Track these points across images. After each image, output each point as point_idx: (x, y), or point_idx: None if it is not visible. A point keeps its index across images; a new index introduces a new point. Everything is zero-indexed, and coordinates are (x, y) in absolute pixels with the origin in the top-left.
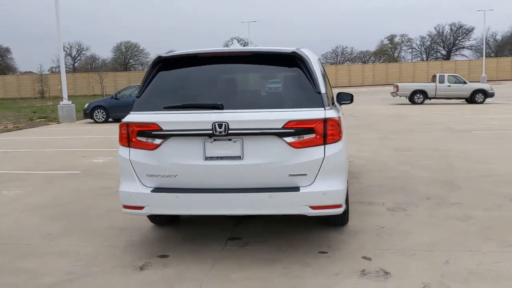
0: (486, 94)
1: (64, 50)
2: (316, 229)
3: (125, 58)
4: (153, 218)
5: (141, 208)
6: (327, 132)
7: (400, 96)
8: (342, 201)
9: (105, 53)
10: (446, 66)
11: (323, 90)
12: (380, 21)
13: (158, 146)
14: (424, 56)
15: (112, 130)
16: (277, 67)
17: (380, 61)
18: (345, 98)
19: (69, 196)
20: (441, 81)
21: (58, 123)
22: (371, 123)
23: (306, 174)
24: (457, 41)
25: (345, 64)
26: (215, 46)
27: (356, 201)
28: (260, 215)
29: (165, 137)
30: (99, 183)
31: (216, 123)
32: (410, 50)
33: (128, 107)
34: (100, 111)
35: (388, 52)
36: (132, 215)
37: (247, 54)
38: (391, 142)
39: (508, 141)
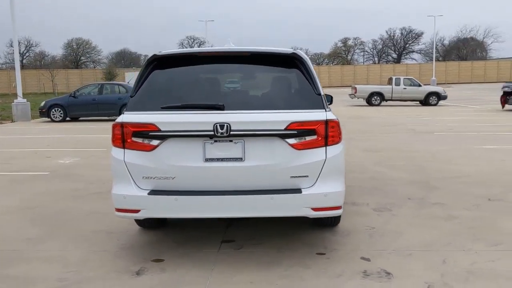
0: (440, 96)
1: (11, 46)
2: (308, 230)
3: (76, 55)
4: (141, 221)
5: (136, 211)
6: (328, 134)
7: (358, 98)
8: (342, 202)
9: (55, 49)
10: (398, 69)
11: (322, 92)
12: (335, 24)
13: (155, 147)
14: (376, 59)
15: (72, 129)
16: (276, 68)
17: (334, 64)
18: (327, 99)
19: (43, 198)
20: (397, 84)
21: (12, 121)
22: None
23: (307, 176)
24: (407, 45)
25: None
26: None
27: None
28: (252, 217)
29: (163, 138)
30: (71, 185)
31: (218, 124)
32: (363, 53)
33: (88, 106)
34: (58, 109)
35: (341, 54)
36: (125, 218)
37: (246, 54)
38: (358, 143)
39: (469, 142)
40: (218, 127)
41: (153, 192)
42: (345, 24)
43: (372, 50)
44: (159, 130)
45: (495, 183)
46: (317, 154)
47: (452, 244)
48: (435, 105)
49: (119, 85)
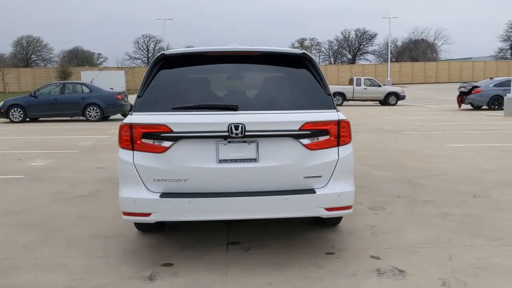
0: (398, 96)
1: None
2: (310, 230)
3: (26, 53)
4: (141, 225)
5: (147, 215)
6: (340, 134)
7: None
8: (353, 202)
9: (3, 48)
10: (355, 69)
11: (331, 92)
12: (292, 25)
13: (167, 149)
14: (332, 59)
15: (35, 130)
16: (286, 68)
17: None
18: None
19: (26, 203)
20: (358, 84)
21: None
22: None
23: (320, 176)
24: (361, 46)
25: None
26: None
27: None
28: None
29: (175, 139)
30: (50, 188)
31: (232, 125)
32: (319, 53)
33: (49, 106)
34: (17, 110)
35: None
36: (133, 222)
37: (256, 53)
38: None
39: (437, 141)
40: (233, 127)
41: (165, 195)
42: (302, 24)
43: (328, 50)
44: (171, 131)
45: (474, 180)
46: (330, 154)
47: (453, 240)
48: (394, 105)
49: (82, 84)
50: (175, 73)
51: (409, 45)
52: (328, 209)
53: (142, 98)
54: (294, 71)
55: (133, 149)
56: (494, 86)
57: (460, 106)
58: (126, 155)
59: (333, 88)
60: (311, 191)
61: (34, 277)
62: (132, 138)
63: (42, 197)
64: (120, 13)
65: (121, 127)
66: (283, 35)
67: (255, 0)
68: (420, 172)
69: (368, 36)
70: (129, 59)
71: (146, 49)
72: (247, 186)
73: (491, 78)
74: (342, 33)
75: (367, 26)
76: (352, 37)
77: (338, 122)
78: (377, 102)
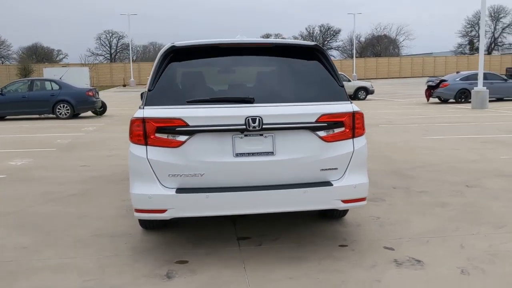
0: (368, 91)
1: None
2: (316, 223)
3: None
4: (147, 223)
5: (162, 211)
6: (355, 126)
7: None
8: (367, 193)
9: None
10: None
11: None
12: (256, 21)
13: (182, 143)
14: None
15: (5, 129)
16: (299, 60)
17: None
18: None
19: (15, 203)
20: None
21: None
22: None
23: (336, 168)
24: (325, 42)
25: None
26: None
27: None
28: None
29: (191, 133)
30: (37, 188)
31: (250, 118)
32: None
33: (17, 104)
34: None
35: None
36: (146, 219)
37: (269, 45)
38: None
39: (415, 133)
40: (250, 120)
41: (182, 190)
42: (267, 21)
43: None
44: (187, 125)
45: (462, 171)
46: (346, 146)
47: (460, 229)
48: (363, 99)
49: (51, 81)
50: (186, 66)
51: (372, 41)
52: (345, 201)
53: (153, 91)
54: (306, 63)
55: (146, 144)
56: (461, 80)
57: (428, 99)
58: (138, 150)
59: None
60: (328, 183)
61: (44, 279)
62: (145, 133)
63: (31, 197)
64: (80, 9)
65: (133, 122)
66: (248, 30)
67: (217, 1)
68: (408, 164)
69: (332, 32)
70: (91, 56)
71: (108, 45)
72: (264, 179)
73: (457, 72)
74: (306, 29)
75: (331, 22)
76: (317, 33)
77: (353, 114)
78: None
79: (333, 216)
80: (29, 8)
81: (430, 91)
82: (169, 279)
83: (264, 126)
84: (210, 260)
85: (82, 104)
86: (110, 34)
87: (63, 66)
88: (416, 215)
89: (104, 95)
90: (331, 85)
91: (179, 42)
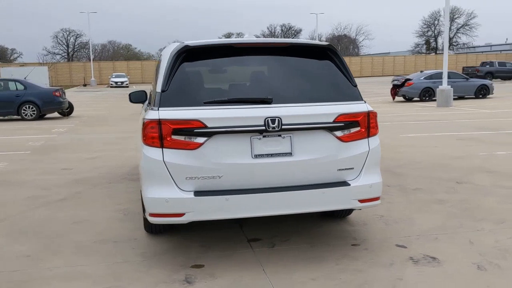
0: None
1: None
2: (322, 223)
3: None
4: (154, 228)
5: (180, 215)
6: (370, 125)
7: None
8: (381, 192)
9: None
10: None
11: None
12: (217, 19)
13: (200, 145)
14: None
15: None
16: (313, 60)
17: None
18: None
19: (3, 210)
20: None
21: None
22: None
23: (353, 168)
24: None
25: None
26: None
27: None
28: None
29: (209, 135)
30: (22, 193)
31: (269, 119)
32: None
33: None
34: None
35: None
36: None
37: (283, 45)
38: None
39: (392, 131)
40: (270, 121)
41: (200, 193)
42: (229, 20)
43: None
44: (206, 127)
45: (448, 167)
46: (362, 146)
47: (464, 225)
48: None
49: (16, 81)
50: (200, 65)
51: (332, 41)
52: (361, 201)
53: (167, 92)
54: (320, 63)
55: (162, 146)
56: (425, 78)
57: (394, 98)
58: (154, 153)
59: None
60: (345, 183)
61: None
62: (161, 135)
63: (18, 202)
64: (36, 6)
65: (147, 124)
66: (209, 28)
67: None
68: (394, 161)
69: (293, 31)
70: (47, 54)
71: (66, 43)
72: (283, 180)
73: (421, 71)
74: (268, 28)
75: (292, 21)
76: (278, 32)
77: (368, 114)
78: None
79: (338, 215)
80: None
81: (396, 89)
82: (190, 284)
83: (283, 127)
84: (226, 263)
85: (48, 105)
86: (68, 33)
87: (20, 66)
88: (417, 212)
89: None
90: (345, 85)
91: (192, 42)
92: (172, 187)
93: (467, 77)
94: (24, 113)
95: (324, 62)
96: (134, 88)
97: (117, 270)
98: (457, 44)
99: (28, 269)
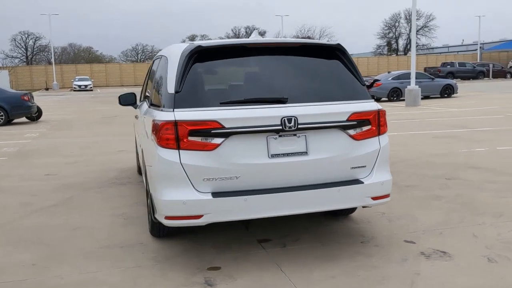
0: None
1: None
2: (326, 222)
3: None
4: (160, 231)
5: (198, 217)
6: (380, 123)
7: None
8: (391, 189)
9: None
10: None
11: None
12: (182, 21)
13: (217, 146)
14: None
15: None
16: (323, 60)
17: None
18: None
19: None
20: None
21: None
22: None
23: (365, 166)
24: None
25: (146, 62)
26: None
27: None
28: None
29: (227, 135)
30: (11, 200)
31: (285, 118)
32: None
33: None
34: None
35: None
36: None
37: (294, 45)
38: None
39: None
40: (286, 121)
41: (218, 194)
42: (192, 21)
43: None
44: (223, 127)
45: (434, 165)
46: (373, 144)
47: (465, 220)
48: None
49: None
50: (213, 66)
51: None
52: (374, 198)
53: (181, 93)
54: (330, 63)
55: (178, 148)
56: (392, 79)
57: None
58: (169, 154)
59: None
60: (359, 181)
61: None
62: (178, 136)
63: (9, 209)
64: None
65: (162, 125)
66: (173, 31)
67: (140, 2)
68: None
69: (258, 33)
70: (6, 58)
71: (24, 47)
72: (299, 180)
73: (388, 72)
74: (232, 30)
75: (257, 23)
76: (243, 34)
77: (378, 112)
78: None
79: (341, 214)
80: None
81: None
82: (211, 287)
83: (299, 126)
84: (242, 265)
85: (17, 110)
86: (26, 35)
87: None
88: (417, 208)
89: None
90: (355, 84)
91: (204, 42)
92: (189, 188)
93: (433, 77)
94: None
95: (334, 62)
96: (99, 91)
97: (132, 275)
98: (417, 45)
99: (38, 277)
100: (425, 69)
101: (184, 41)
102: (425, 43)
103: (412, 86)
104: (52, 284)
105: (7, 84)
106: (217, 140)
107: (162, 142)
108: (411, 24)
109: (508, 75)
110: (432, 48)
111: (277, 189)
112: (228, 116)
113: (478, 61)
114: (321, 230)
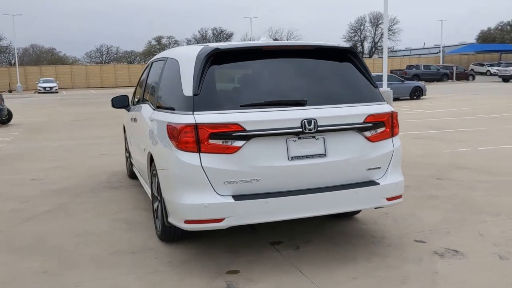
0: None
1: None
2: (333, 223)
3: None
4: (171, 235)
5: (219, 220)
6: (393, 125)
7: None
8: (403, 190)
9: None
10: None
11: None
12: (145, 23)
13: (238, 148)
14: None
15: None
16: (337, 62)
17: (145, 62)
18: None
19: None
20: None
21: None
22: None
23: (380, 167)
24: None
25: (112, 64)
26: None
27: None
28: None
29: (248, 138)
30: (1, 206)
31: (305, 120)
32: None
33: None
34: None
35: (156, 53)
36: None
37: (309, 48)
38: None
39: None
40: (306, 123)
41: (239, 197)
42: (159, 22)
43: None
44: (244, 130)
45: (423, 165)
46: (387, 145)
47: (467, 219)
48: None
49: None
50: (230, 68)
51: None
52: (389, 199)
53: (200, 96)
54: (344, 65)
55: (199, 151)
56: None
57: None
58: (190, 158)
59: None
60: (375, 182)
61: None
62: (198, 139)
63: (1, 216)
64: None
65: (181, 129)
66: (140, 32)
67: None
68: None
69: (225, 35)
70: None
71: None
72: (318, 182)
73: None
74: (199, 31)
75: (224, 25)
76: (210, 36)
77: (392, 114)
78: None
79: (344, 215)
80: None
81: None
82: None
83: (318, 128)
84: (260, 268)
85: None
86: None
87: None
88: (418, 208)
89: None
90: (368, 86)
91: (221, 45)
92: (210, 192)
93: (402, 79)
94: None
95: (347, 64)
96: (64, 93)
97: (152, 281)
98: (382, 48)
99: (54, 285)
100: (391, 72)
101: (150, 42)
102: (389, 46)
103: (384, 88)
104: None
105: None
106: (238, 143)
107: (182, 145)
108: (375, 28)
109: (470, 77)
110: (396, 51)
111: (297, 191)
112: (249, 119)
113: (441, 64)
114: (330, 232)
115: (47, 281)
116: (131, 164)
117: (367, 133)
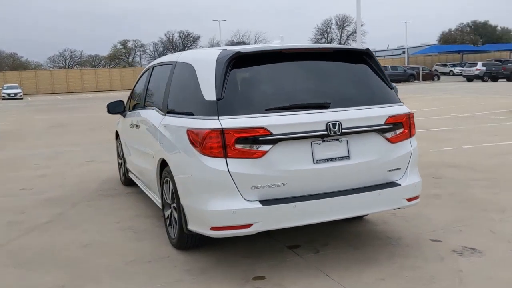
0: None
1: None
2: (346, 225)
3: None
4: (187, 243)
5: (248, 226)
6: (411, 126)
7: None
8: (421, 191)
9: None
10: None
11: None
12: (111, 27)
13: (265, 153)
14: None
15: None
16: (354, 65)
17: (111, 66)
18: None
19: None
20: None
21: None
22: None
23: (400, 168)
24: (186, 48)
25: (77, 68)
26: None
27: None
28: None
29: (274, 142)
30: None
31: (330, 123)
32: (145, 55)
33: None
34: None
35: (122, 57)
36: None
37: (328, 50)
38: None
39: None
40: (331, 126)
41: (268, 202)
42: (124, 26)
43: (153, 52)
44: (271, 134)
45: None
46: (406, 146)
47: (475, 217)
48: None
49: None
50: (252, 72)
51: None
52: (409, 200)
53: (224, 100)
54: (361, 67)
55: (226, 156)
56: None
57: None
58: (216, 163)
59: None
60: (396, 183)
61: None
62: (225, 144)
63: (0, 229)
64: None
65: (207, 134)
66: (104, 36)
67: (66, 4)
68: None
69: (192, 38)
70: None
71: None
72: (341, 184)
73: None
74: (165, 34)
75: (190, 28)
76: (176, 38)
77: (409, 115)
78: None
79: (356, 217)
80: None
81: None
82: None
83: (342, 131)
84: (285, 272)
85: None
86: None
87: None
88: (425, 207)
89: None
90: (386, 88)
91: (242, 48)
92: (238, 197)
93: None
94: None
95: (364, 66)
96: (30, 99)
97: None
98: None
99: None
100: None
101: (115, 46)
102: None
103: None
104: None
105: None
106: (265, 147)
107: (206, 150)
108: (341, 30)
109: (436, 78)
110: None
111: (323, 194)
112: (276, 123)
113: (406, 65)
114: (346, 234)
115: None
116: (127, 170)
117: (388, 135)
